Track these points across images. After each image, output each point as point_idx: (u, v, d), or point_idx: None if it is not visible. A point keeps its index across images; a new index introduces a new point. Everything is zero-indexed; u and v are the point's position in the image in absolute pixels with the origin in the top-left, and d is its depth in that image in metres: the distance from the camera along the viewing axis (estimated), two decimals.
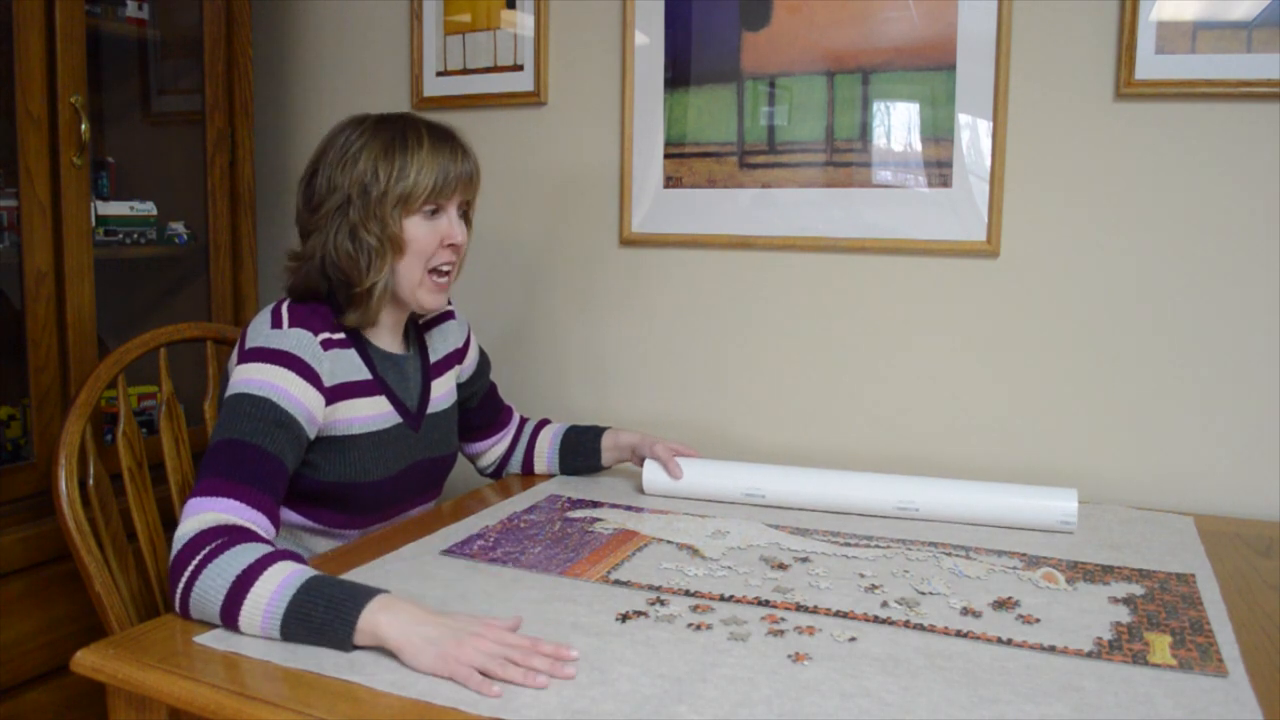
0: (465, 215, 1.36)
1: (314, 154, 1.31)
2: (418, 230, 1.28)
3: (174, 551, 1.03)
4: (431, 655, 0.90)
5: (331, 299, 1.30)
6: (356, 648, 0.94)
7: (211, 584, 0.98)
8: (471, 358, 1.53)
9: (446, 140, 1.30)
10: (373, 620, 0.93)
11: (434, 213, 1.29)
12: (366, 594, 0.95)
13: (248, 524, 1.07)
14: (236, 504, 1.08)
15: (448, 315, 1.50)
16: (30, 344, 1.50)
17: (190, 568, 1.00)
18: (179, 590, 1.00)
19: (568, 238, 1.88)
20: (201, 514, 1.05)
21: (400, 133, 1.27)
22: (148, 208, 1.77)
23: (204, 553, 1.00)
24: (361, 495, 1.30)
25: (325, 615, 0.94)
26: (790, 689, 0.87)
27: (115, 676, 0.91)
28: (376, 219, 1.25)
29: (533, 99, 1.86)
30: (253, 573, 0.98)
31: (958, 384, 1.62)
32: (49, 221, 1.51)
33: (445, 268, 1.32)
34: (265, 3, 2.10)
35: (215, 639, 0.96)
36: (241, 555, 1.00)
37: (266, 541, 1.06)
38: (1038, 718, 0.83)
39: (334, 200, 1.26)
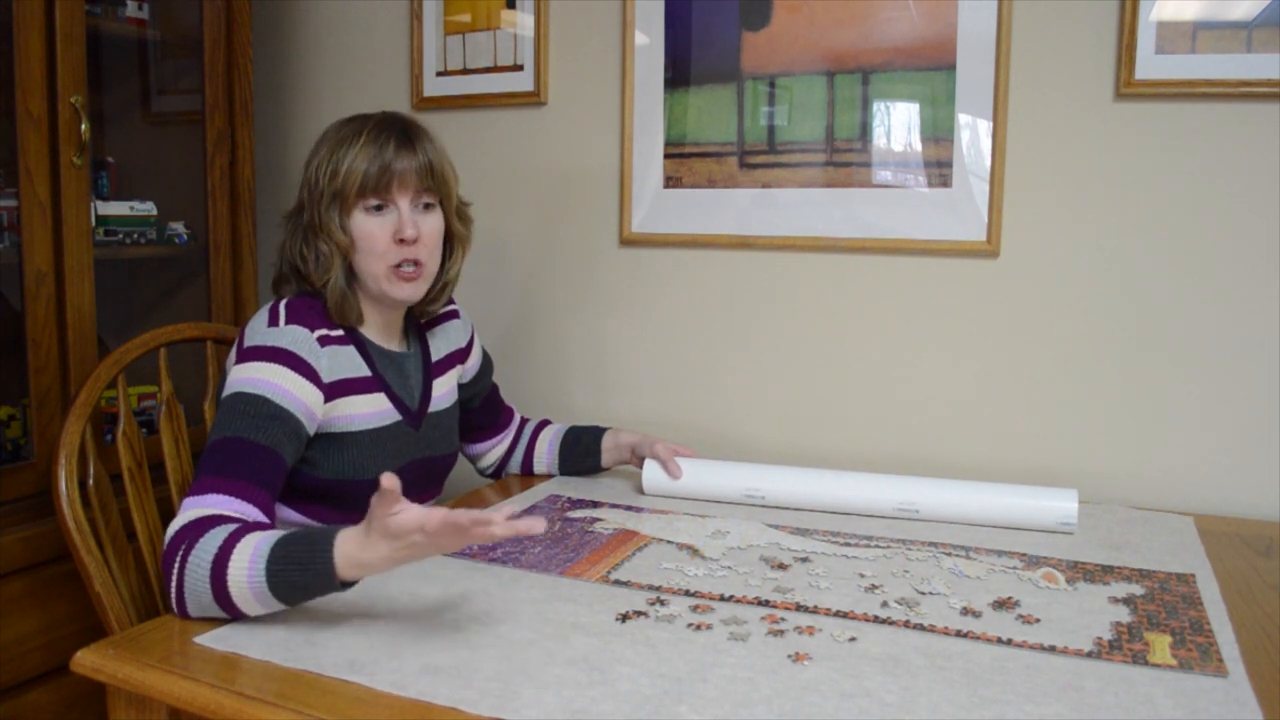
0: (444, 211, 1.32)
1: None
2: (363, 227, 1.25)
3: (162, 553, 1.03)
4: (414, 559, 0.95)
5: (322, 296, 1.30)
6: (352, 583, 0.97)
7: (195, 578, 0.98)
8: (474, 358, 1.53)
9: (388, 133, 1.26)
10: (346, 558, 0.95)
11: (379, 208, 1.26)
12: (324, 539, 0.96)
13: (227, 513, 1.06)
14: (224, 498, 1.07)
15: (451, 314, 1.49)
16: (30, 344, 1.50)
17: (175, 568, 1.00)
18: (171, 592, 1.00)
19: (568, 238, 1.88)
20: (187, 512, 1.05)
21: (345, 134, 1.26)
22: (148, 208, 1.77)
23: (181, 550, 1.00)
24: (360, 493, 1.30)
25: (304, 575, 0.96)
26: (790, 689, 0.87)
27: (115, 676, 0.91)
28: (320, 220, 1.25)
29: (533, 99, 1.86)
30: (224, 555, 0.98)
31: (957, 384, 1.62)
32: (49, 221, 1.51)
33: (404, 266, 1.27)
34: (265, 3, 2.10)
35: (215, 639, 0.96)
36: (210, 542, 0.99)
37: (234, 520, 1.04)
38: (1038, 718, 0.83)
39: (295, 206, 1.30)
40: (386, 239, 1.26)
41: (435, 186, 1.29)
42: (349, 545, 0.96)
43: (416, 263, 1.28)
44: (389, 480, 0.92)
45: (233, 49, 1.83)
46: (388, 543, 0.94)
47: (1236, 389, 1.47)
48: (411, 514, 0.93)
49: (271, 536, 0.99)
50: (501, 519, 0.92)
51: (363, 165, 1.23)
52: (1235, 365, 1.47)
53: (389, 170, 1.24)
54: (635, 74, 1.77)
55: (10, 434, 1.60)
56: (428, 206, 1.30)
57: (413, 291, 1.30)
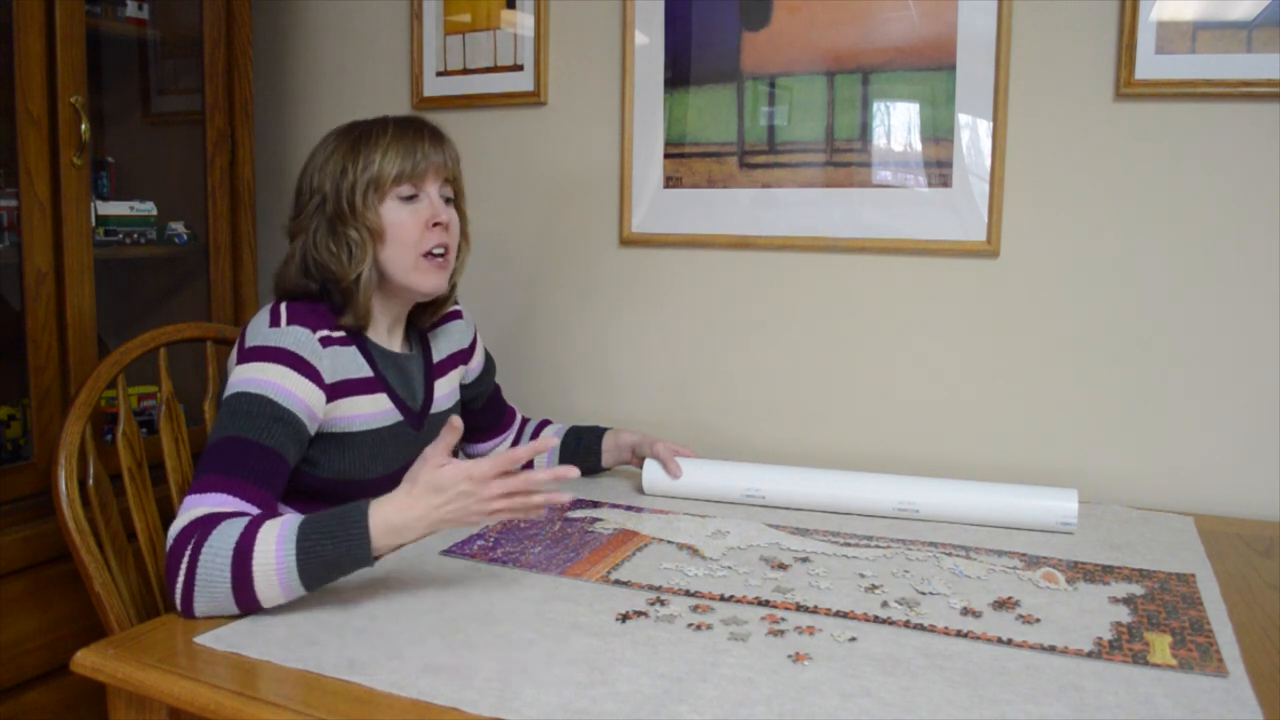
0: (456, 206, 1.35)
1: (302, 166, 1.33)
2: (395, 215, 1.27)
3: (166, 552, 1.03)
4: (452, 521, 1.01)
5: (328, 298, 1.30)
6: (377, 558, 1.01)
7: (211, 568, 0.98)
8: (477, 359, 1.53)
9: (413, 127, 1.30)
10: (382, 525, 0.99)
11: (411, 198, 1.28)
12: (359, 513, 1.00)
13: (233, 511, 1.06)
14: (227, 497, 1.08)
15: (454, 315, 1.49)
16: (30, 344, 1.50)
17: (184, 564, 1.00)
18: (179, 591, 1.00)
19: (568, 238, 1.88)
20: (189, 510, 1.06)
21: (367, 129, 1.30)
22: (148, 208, 1.77)
23: (191, 544, 1.00)
24: (360, 493, 1.29)
25: (335, 548, 0.98)
26: (790, 689, 0.87)
27: (115, 676, 0.91)
28: (351, 210, 1.26)
29: (533, 99, 1.86)
30: (247, 541, 0.99)
31: (958, 384, 1.62)
32: (49, 221, 1.51)
33: (438, 250, 1.30)
34: (265, 3, 2.10)
35: (215, 639, 0.96)
36: (227, 530, 1.00)
37: (245, 515, 1.05)
38: (1038, 718, 0.83)
39: (314, 202, 1.29)
40: (419, 226, 1.28)
41: (457, 179, 1.34)
42: (385, 510, 1.00)
43: (445, 249, 1.31)
44: (457, 423, 1.03)
45: (233, 49, 1.83)
46: (431, 497, 1.00)
47: (1236, 389, 1.47)
48: (460, 465, 1.02)
49: (296, 519, 1.01)
50: (543, 484, 1.02)
51: (398, 155, 1.27)
52: (1235, 365, 1.47)
53: (426, 159, 1.28)
54: (635, 74, 1.77)
55: (10, 434, 1.60)
56: (449, 201, 1.33)
57: (442, 280, 1.32)
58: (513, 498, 1.03)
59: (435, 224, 1.29)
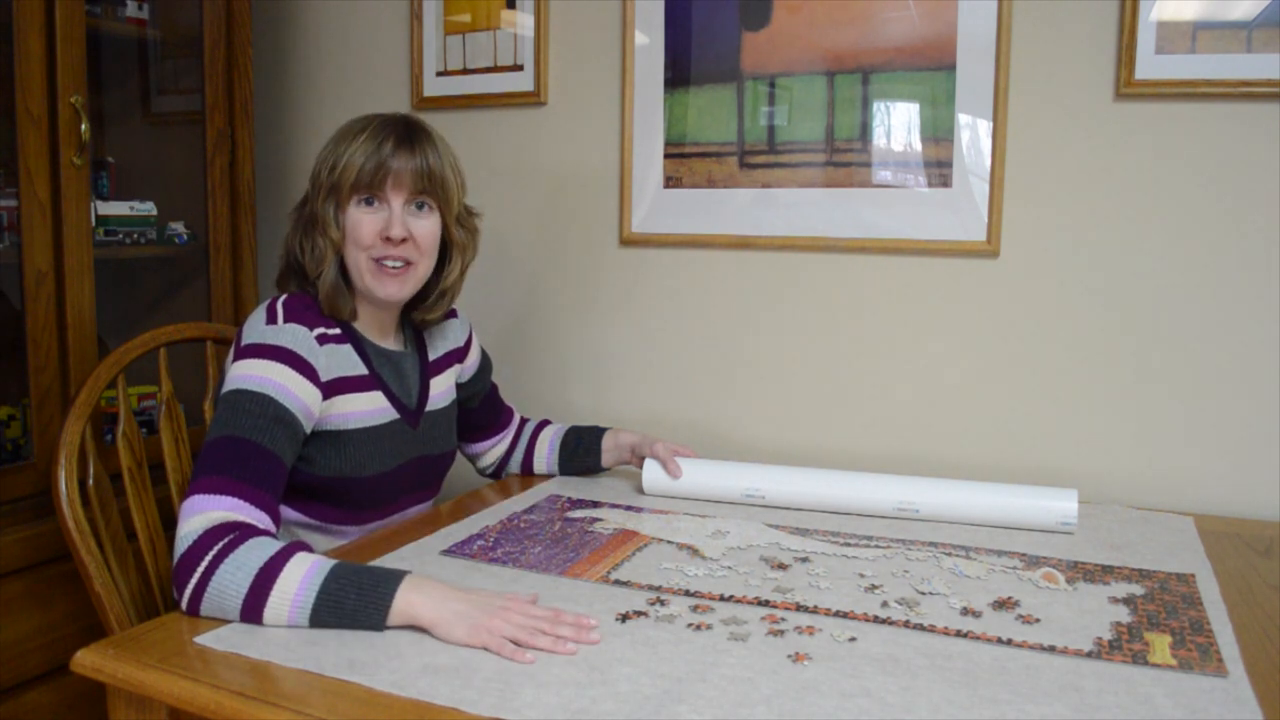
0: (442, 216, 1.32)
1: None
2: (351, 219, 1.27)
3: (181, 549, 1.03)
4: (465, 628, 0.94)
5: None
6: (388, 628, 0.98)
7: (230, 579, 0.99)
8: (473, 358, 1.53)
9: (390, 130, 1.27)
10: (405, 600, 0.97)
11: (371, 203, 1.27)
12: (395, 576, 0.99)
13: (252, 521, 1.07)
14: (239, 501, 1.08)
15: (449, 314, 1.49)
16: (30, 344, 1.50)
17: (203, 565, 1.00)
18: (190, 588, 1.00)
19: (568, 238, 1.88)
20: (207, 512, 1.06)
21: (354, 128, 1.28)
22: (148, 208, 1.77)
23: (216, 549, 1.01)
24: (357, 490, 1.30)
25: (358, 601, 0.97)
26: (790, 689, 0.87)
27: (115, 676, 0.91)
28: (317, 213, 1.28)
29: (533, 99, 1.86)
30: (275, 566, 0.99)
31: (958, 384, 1.62)
32: (49, 221, 1.51)
33: (388, 262, 1.27)
34: (265, 3, 2.10)
35: (215, 639, 0.96)
36: (258, 549, 1.01)
37: (264, 531, 1.07)
38: (1038, 718, 0.83)
39: (301, 199, 1.33)
40: (373, 233, 1.27)
41: (432, 189, 1.29)
42: (413, 579, 1.00)
43: (408, 262, 1.29)
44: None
45: (233, 49, 1.83)
46: (462, 592, 1.00)
47: (1236, 389, 1.47)
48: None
49: (329, 560, 1.02)
50: (569, 633, 0.96)
51: (360, 160, 1.25)
52: (1235, 365, 1.47)
53: (385, 167, 1.25)
54: (635, 74, 1.77)
55: (10, 434, 1.60)
56: (424, 209, 1.30)
57: (396, 290, 1.29)
58: (535, 632, 0.95)
59: (386, 237, 1.26)
